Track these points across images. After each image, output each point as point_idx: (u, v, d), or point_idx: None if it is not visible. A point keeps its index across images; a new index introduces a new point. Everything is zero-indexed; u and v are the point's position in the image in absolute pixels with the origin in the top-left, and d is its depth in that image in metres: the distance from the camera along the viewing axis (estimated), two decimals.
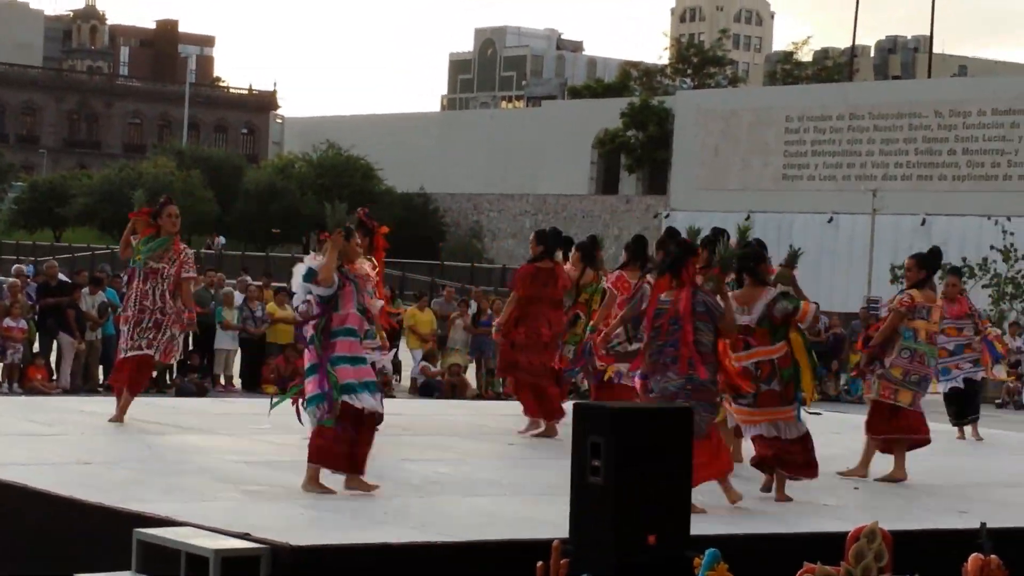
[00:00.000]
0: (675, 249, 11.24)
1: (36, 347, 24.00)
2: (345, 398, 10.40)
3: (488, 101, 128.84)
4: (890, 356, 13.12)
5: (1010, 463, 15.39)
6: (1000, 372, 18.68)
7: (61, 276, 24.83)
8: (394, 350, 20.24)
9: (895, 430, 13.08)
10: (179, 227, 14.20)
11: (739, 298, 11.45)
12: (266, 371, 25.11)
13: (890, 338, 13.13)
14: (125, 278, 14.96)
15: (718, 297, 10.89)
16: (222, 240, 58.88)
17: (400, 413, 14.90)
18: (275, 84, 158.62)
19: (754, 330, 11.42)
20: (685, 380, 10.61)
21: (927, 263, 13.43)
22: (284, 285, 28.51)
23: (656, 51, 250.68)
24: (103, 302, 23.96)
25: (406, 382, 27.39)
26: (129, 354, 13.88)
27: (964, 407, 17.67)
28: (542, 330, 14.57)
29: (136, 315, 13.85)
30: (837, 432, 15.84)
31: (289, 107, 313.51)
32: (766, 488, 11.60)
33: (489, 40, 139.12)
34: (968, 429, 17.59)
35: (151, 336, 13.84)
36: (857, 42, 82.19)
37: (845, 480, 12.78)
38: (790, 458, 11.49)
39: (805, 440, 11.57)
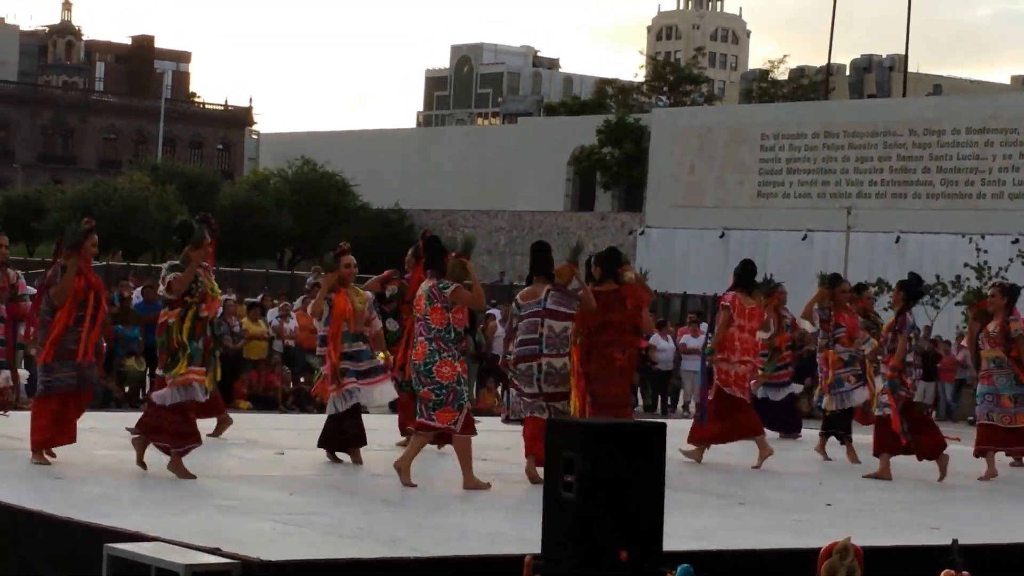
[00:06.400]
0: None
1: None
2: None
3: (464, 118, 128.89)
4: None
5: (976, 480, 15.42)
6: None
7: (31, 288, 24.71)
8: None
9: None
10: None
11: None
12: (239, 386, 25.02)
13: None
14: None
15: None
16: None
17: (371, 428, 14.87)
18: (251, 100, 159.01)
19: None
20: None
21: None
22: (256, 300, 28.46)
23: (632, 69, 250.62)
24: None
25: None
26: None
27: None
28: (615, 356, 13.66)
29: None
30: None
31: (265, 123, 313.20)
32: None
33: (465, 57, 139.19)
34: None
35: None
36: (832, 61, 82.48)
37: (817, 496, 12.82)
38: None
39: None
